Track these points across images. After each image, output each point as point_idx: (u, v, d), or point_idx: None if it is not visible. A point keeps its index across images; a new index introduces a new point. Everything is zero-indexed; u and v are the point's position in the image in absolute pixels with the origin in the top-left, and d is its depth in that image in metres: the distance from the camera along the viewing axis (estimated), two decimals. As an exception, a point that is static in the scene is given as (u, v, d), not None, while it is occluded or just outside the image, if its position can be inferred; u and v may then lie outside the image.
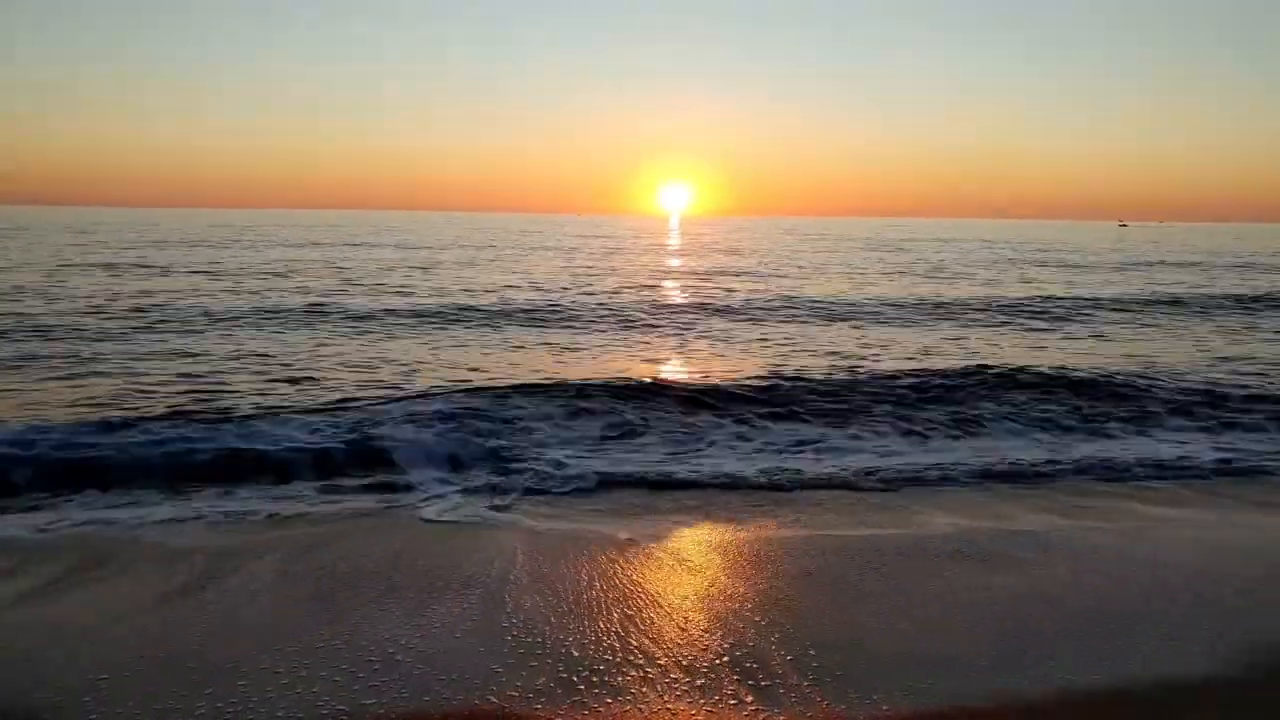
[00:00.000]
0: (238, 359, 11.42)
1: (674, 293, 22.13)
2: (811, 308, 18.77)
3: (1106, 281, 26.95)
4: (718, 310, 18.35)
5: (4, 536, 5.41)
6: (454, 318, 16.03)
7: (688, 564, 5.12)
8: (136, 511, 5.89)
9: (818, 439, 7.80)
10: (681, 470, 6.96)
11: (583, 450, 7.31)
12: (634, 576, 4.89)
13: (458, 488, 6.49)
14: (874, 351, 13.21)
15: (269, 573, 4.90)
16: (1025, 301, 20.35)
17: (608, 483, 6.69)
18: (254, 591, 4.64)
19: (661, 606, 4.50)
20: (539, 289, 21.88)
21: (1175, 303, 20.54)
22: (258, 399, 8.99)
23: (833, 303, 19.66)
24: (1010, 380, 10.01)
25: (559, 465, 6.89)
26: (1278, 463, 7.43)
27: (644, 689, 3.70)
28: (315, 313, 16.13)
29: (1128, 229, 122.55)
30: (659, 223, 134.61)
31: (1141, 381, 10.23)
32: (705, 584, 4.81)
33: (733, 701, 3.60)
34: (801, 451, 7.48)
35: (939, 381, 9.84)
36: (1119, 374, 10.69)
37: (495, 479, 6.65)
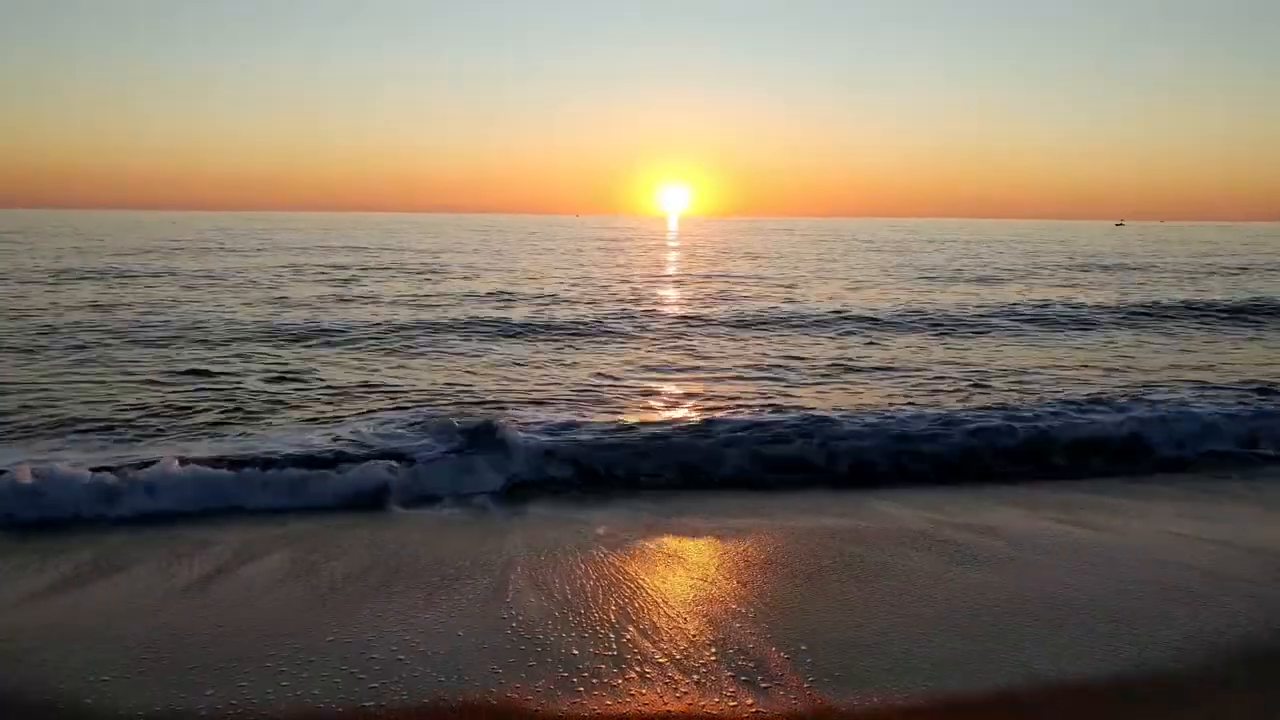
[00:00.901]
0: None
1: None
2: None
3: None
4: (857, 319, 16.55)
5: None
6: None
7: (685, 562, 5.15)
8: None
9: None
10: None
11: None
12: (631, 574, 4.92)
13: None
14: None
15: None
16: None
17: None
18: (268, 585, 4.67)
19: (659, 604, 4.52)
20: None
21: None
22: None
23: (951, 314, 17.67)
24: None
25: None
26: None
27: (642, 689, 3.72)
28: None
29: (1124, 228, 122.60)
30: (661, 224, 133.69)
31: None
32: (702, 581, 4.84)
33: (730, 696, 3.63)
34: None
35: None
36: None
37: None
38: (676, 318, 17.02)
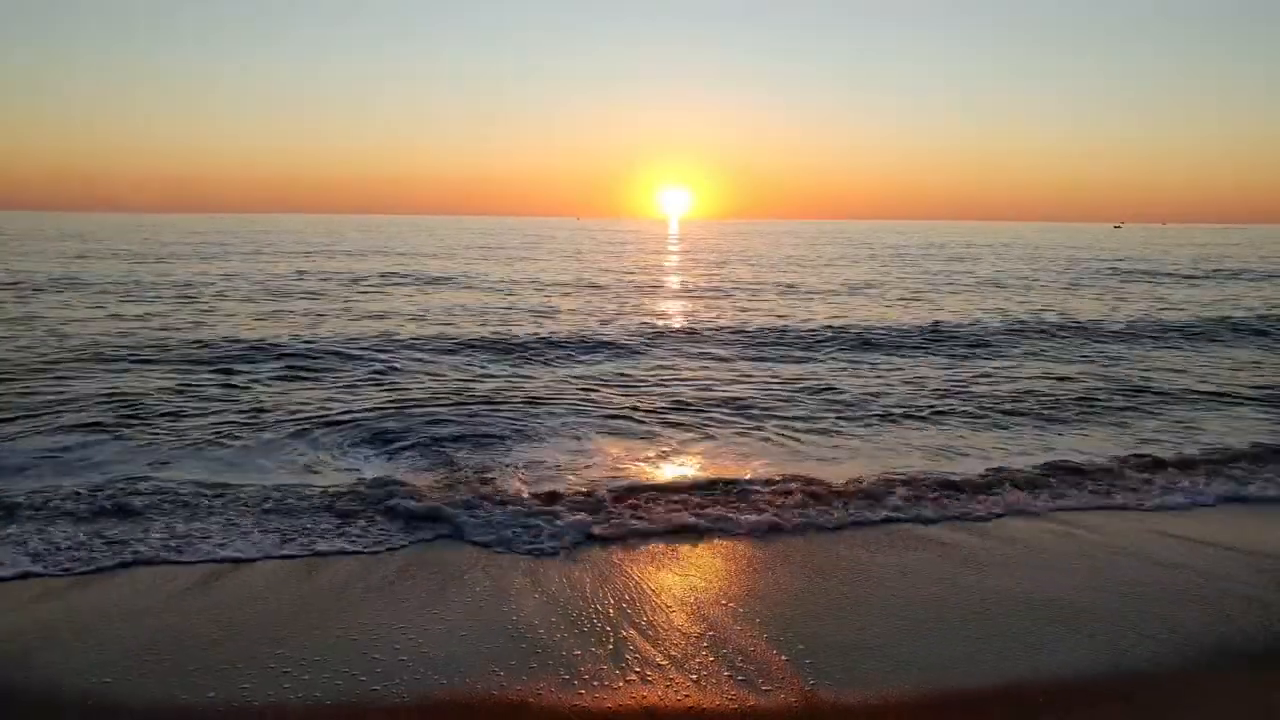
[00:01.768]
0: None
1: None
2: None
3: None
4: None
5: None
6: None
7: (684, 565, 5.15)
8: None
9: None
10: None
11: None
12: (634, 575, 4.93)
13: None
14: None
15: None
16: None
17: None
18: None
19: (660, 606, 4.53)
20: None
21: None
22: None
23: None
24: None
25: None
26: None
27: (642, 689, 3.73)
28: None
29: (1121, 230, 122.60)
30: (664, 227, 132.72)
31: None
32: (701, 583, 4.84)
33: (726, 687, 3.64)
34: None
35: None
36: None
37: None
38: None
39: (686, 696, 3.67)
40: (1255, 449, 7.68)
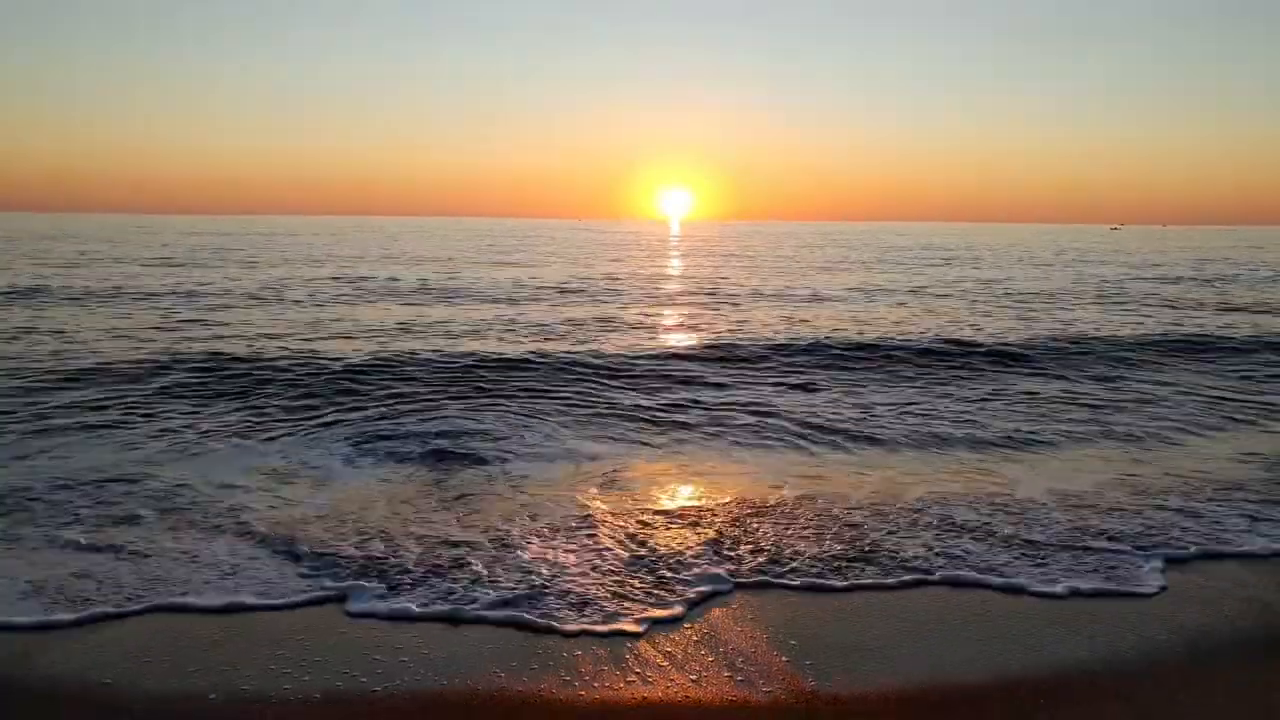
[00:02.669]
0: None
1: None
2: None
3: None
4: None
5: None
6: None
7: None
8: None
9: None
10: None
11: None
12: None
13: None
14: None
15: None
16: None
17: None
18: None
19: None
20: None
21: None
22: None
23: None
24: None
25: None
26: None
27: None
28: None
29: (1119, 232, 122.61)
30: (667, 228, 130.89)
31: None
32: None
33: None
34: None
35: None
36: None
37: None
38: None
39: (684, 690, 3.69)
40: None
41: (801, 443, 7.83)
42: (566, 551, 5.17)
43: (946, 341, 13.60)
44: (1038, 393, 10.22)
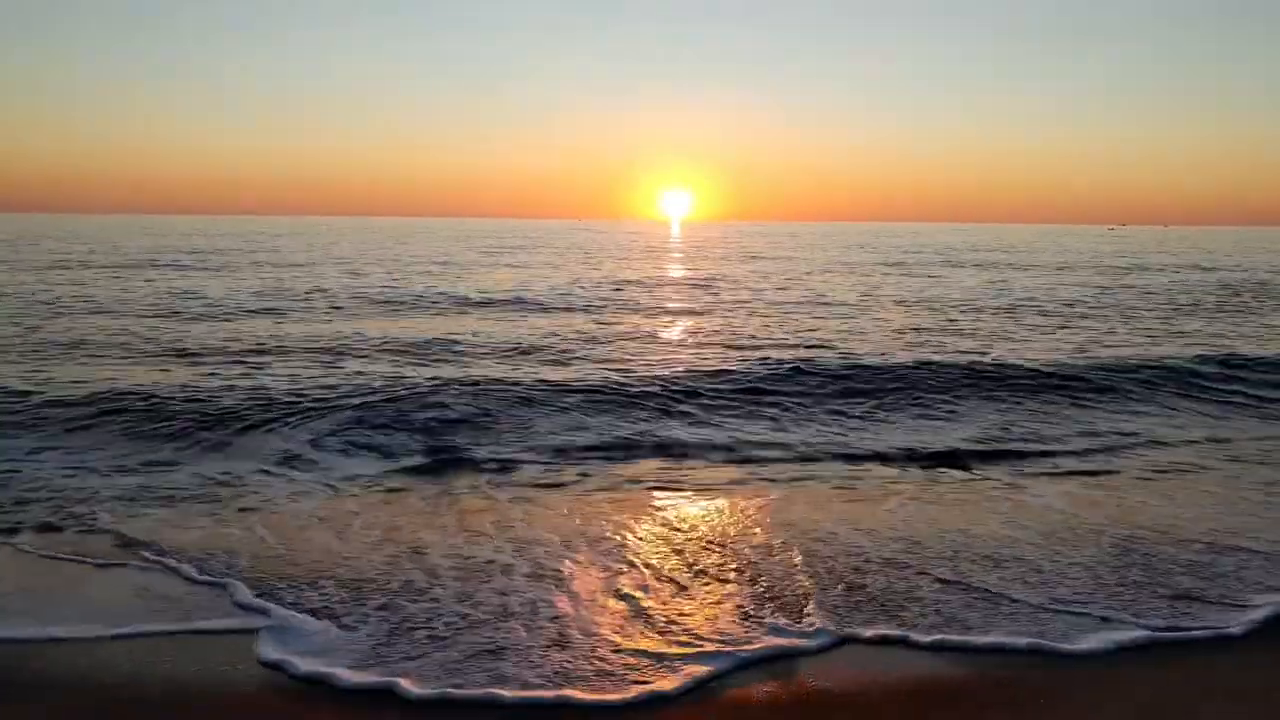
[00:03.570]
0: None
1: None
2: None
3: None
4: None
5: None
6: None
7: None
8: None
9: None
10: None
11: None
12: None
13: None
14: None
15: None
16: None
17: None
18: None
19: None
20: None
21: None
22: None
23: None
24: None
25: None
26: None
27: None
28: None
29: (1117, 231, 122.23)
30: (669, 229, 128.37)
31: None
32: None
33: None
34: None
35: None
36: None
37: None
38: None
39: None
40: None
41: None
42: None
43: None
44: None
